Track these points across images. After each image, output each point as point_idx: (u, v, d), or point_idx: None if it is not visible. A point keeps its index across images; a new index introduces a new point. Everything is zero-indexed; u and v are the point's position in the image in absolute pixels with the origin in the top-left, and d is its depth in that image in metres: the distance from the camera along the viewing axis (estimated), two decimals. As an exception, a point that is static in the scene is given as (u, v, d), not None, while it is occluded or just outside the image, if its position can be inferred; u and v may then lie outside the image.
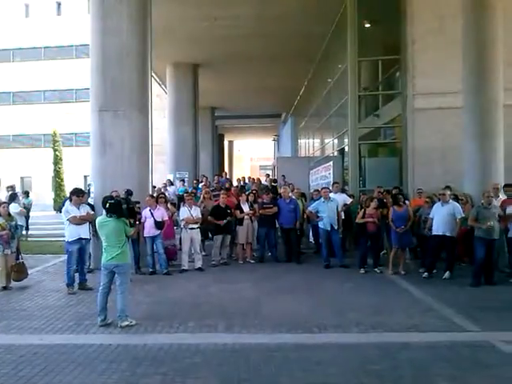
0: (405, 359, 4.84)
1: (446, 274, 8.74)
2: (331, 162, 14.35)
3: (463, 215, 8.78)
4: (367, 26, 14.33)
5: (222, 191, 11.08)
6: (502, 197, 9.26)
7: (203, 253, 10.70)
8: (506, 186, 9.40)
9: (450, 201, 8.95)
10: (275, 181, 17.37)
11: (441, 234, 8.72)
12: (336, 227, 10.06)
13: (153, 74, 18.70)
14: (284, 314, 6.53)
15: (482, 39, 10.16)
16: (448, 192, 9.10)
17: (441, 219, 8.76)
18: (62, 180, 26.30)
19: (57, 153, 26.87)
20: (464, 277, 8.52)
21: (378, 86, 15.98)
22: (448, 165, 11.68)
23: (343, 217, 10.66)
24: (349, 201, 11.14)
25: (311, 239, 12.22)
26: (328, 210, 10.04)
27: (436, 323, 6.07)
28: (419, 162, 12.24)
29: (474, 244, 8.44)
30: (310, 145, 24.10)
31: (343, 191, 11.94)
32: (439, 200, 9.10)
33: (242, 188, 13.89)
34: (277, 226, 10.94)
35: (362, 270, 9.40)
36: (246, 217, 10.61)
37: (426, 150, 12.13)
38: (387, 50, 14.18)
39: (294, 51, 17.35)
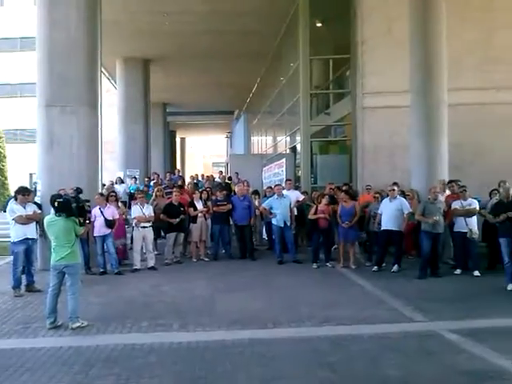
0: (357, 351, 4.98)
1: (395, 268, 9.05)
2: (284, 160, 14.52)
3: (410, 210, 9.11)
4: (319, 25, 14.56)
5: (175, 189, 10.96)
6: (447, 192, 9.67)
7: (156, 252, 10.55)
8: (450, 182, 9.82)
9: (398, 197, 9.27)
10: (230, 178, 17.37)
11: (389, 228, 9.02)
12: (289, 223, 10.19)
13: (102, 68, 18.28)
14: (239, 310, 6.55)
15: (427, 41, 10.51)
16: (396, 188, 9.42)
17: (389, 214, 9.05)
18: (5, 178, 25.14)
19: (0, 149, 25.69)
20: (411, 269, 8.86)
21: (329, 84, 16.28)
22: (396, 162, 12.07)
23: (296, 213, 10.82)
24: (301, 197, 11.30)
25: (264, 236, 12.31)
26: (281, 207, 10.15)
27: (386, 315, 6.28)
28: (368, 159, 12.57)
29: (421, 238, 8.78)
30: (262, 142, 24.24)
31: (296, 188, 12.10)
32: (387, 196, 9.40)
33: (196, 185, 13.79)
34: (231, 223, 10.96)
35: (315, 265, 9.58)
36: (199, 214, 10.56)
37: (375, 148, 12.47)
38: (338, 50, 14.47)
39: (246, 48, 17.38)
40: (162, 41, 16.94)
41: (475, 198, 9.10)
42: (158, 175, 15.96)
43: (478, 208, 8.85)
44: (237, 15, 14.51)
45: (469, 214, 8.72)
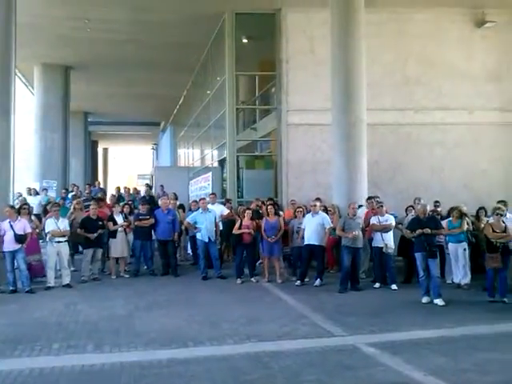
0: (277, 367, 4.94)
1: (317, 282, 9.19)
2: (210, 173, 14.42)
3: (332, 225, 9.33)
4: (245, 41, 14.72)
5: (93, 201, 10.47)
6: (366, 209, 10.01)
7: (72, 268, 10.00)
8: (369, 198, 10.18)
9: (320, 212, 9.47)
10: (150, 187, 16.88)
11: (311, 243, 9.17)
12: (213, 238, 10.06)
13: (18, 73, 17.27)
14: (158, 329, 6.32)
15: (348, 61, 10.90)
16: (318, 204, 9.62)
17: (311, 229, 9.21)
18: None
19: None
20: (333, 284, 9.03)
21: (256, 100, 16.46)
22: (318, 178, 12.35)
23: (221, 227, 10.73)
24: (226, 212, 11.23)
25: (189, 251, 12.09)
26: (206, 221, 10.02)
27: (307, 330, 6.32)
28: (293, 174, 12.78)
29: (341, 252, 9.00)
30: (189, 155, 24.00)
31: (227, 201, 11.95)
32: (310, 211, 9.57)
33: (118, 198, 13.28)
34: (153, 238, 10.65)
35: (239, 281, 9.51)
36: (119, 229, 10.16)
37: (299, 163, 12.71)
38: (264, 66, 14.70)
39: (172, 60, 17.16)
40: (83, 48, 16.30)
41: (392, 214, 9.51)
42: (77, 187, 15.22)
43: (394, 223, 9.23)
44: (163, 26, 14.30)
45: (385, 229, 9.07)
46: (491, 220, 8.34)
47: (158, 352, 5.43)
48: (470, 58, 13.04)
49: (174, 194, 12.50)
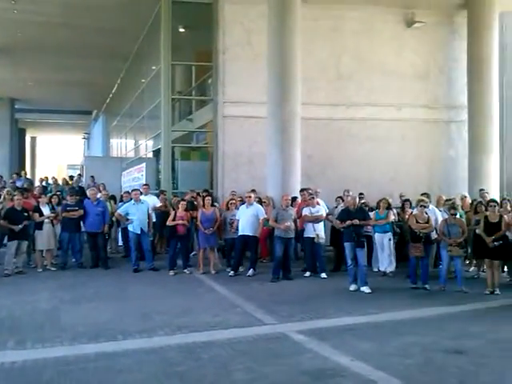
0: (208, 358, 4.94)
1: (250, 272, 9.28)
2: (144, 164, 14.11)
3: (265, 216, 9.44)
4: (181, 30, 14.50)
5: (17, 192, 9.95)
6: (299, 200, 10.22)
7: (-5, 261, 9.47)
8: (301, 190, 10.39)
9: (254, 203, 9.55)
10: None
11: (246, 234, 9.23)
12: (146, 230, 9.88)
13: None
14: (86, 323, 6.12)
15: (284, 56, 11.05)
16: (252, 195, 9.70)
17: (246, 220, 9.27)
18: None
19: None
20: (266, 273, 9.15)
21: (192, 90, 16.29)
22: (254, 170, 12.43)
23: (154, 219, 10.55)
24: (158, 204, 11.03)
25: (120, 243, 11.80)
26: (138, 213, 9.81)
27: (239, 319, 6.36)
28: (229, 166, 12.77)
29: (274, 242, 9.14)
30: (122, 145, 23.36)
31: (162, 193, 11.73)
32: (244, 203, 9.63)
33: (45, 189, 12.70)
34: (82, 229, 10.29)
35: (172, 272, 9.41)
36: (46, 220, 9.73)
37: (235, 156, 12.72)
38: (200, 57, 14.54)
39: (106, 46, 16.59)
40: (9, 30, 15.40)
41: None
42: (1, 177, 14.41)
43: (324, 214, 9.49)
44: (97, 10, 13.77)
45: (317, 220, 9.30)
46: (415, 211, 8.77)
47: (85, 346, 5.26)
48: (400, 57, 13.57)
49: (103, 184, 12.13)
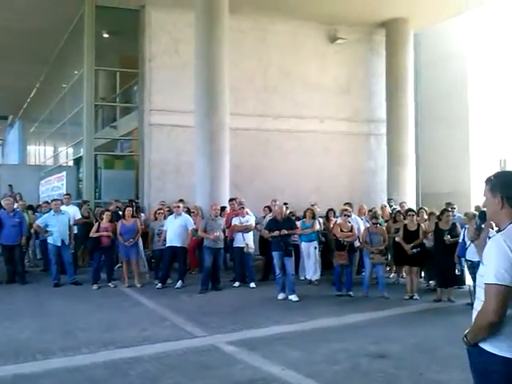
0: (135, 374, 4.78)
1: (178, 284, 9.12)
2: (64, 173, 13.53)
3: (194, 226, 9.36)
4: (106, 35, 14.09)
5: None
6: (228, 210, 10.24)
7: None
8: (230, 199, 10.42)
9: (182, 213, 9.43)
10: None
11: (174, 245, 9.08)
12: (67, 242, 9.43)
13: None
14: (2, 342, 5.71)
15: (211, 66, 11.05)
16: (181, 205, 9.58)
17: (174, 231, 9.13)
18: None
19: None
20: (195, 285, 9.04)
21: (116, 97, 15.85)
22: (181, 178, 12.31)
23: (76, 231, 10.11)
24: (78, 216, 10.57)
25: (39, 256, 11.17)
26: (58, 224, 9.34)
27: (167, 333, 6.23)
28: (155, 175, 12.55)
29: (203, 253, 9.08)
30: (41, 152, 22.20)
31: (84, 203, 11.26)
32: (172, 213, 9.49)
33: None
34: (-2, 242, 9.62)
35: (95, 286, 9.04)
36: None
37: (162, 164, 12.53)
38: (126, 63, 14.20)
39: (24, 48, 15.70)
40: None
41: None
42: None
43: (254, 224, 9.57)
44: (15, 10, 13.00)
45: (246, 229, 9.37)
46: (339, 220, 9.09)
47: (1, 368, 4.91)
48: (324, 71, 14.08)
49: (19, 194, 11.46)
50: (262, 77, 13.43)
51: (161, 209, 10.01)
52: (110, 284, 9.22)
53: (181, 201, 10.36)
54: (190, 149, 11.66)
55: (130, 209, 9.60)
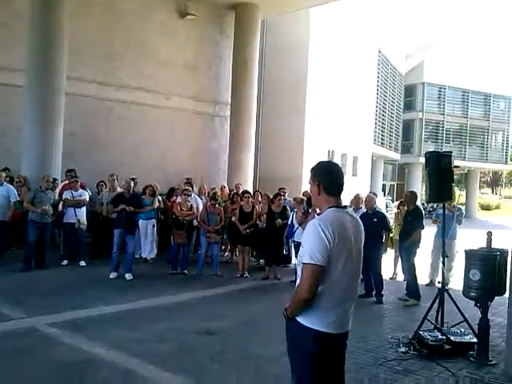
0: None
1: (-5, 262, 8.23)
2: None
3: (18, 198, 8.51)
4: None
5: None
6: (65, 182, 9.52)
7: None
8: (68, 170, 9.71)
9: (5, 183, 8.51)
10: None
11: (-7, 218, 8.15)
12: None
13: None
14: None
15: (48, 24, 10.03)
16: (3, 174, 8.62)
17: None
18: None
19: None
20: (16, 262, 8.22)
21: None
22: (8, 144, 10.96)
23: None
24: None
25: None
26: None
27: (-18, 316, 5.59)
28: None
29: (27, 227, 8.30)
30: None
31: None
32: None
33: None
34: None
35: None
36: None
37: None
38: None
39: None
40: None
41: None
42: None
43: (87, 199, 9.04)
44: None
45: (79, 204, 8.81)
46: (179, 199, 9.07)
47: None
48: (172, 46, 13.69)
49: None
50: (107, 44, 12.52)
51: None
52: None
53: (5, 169, 9.31)
54: (20, 112, 10.44)
55: None
